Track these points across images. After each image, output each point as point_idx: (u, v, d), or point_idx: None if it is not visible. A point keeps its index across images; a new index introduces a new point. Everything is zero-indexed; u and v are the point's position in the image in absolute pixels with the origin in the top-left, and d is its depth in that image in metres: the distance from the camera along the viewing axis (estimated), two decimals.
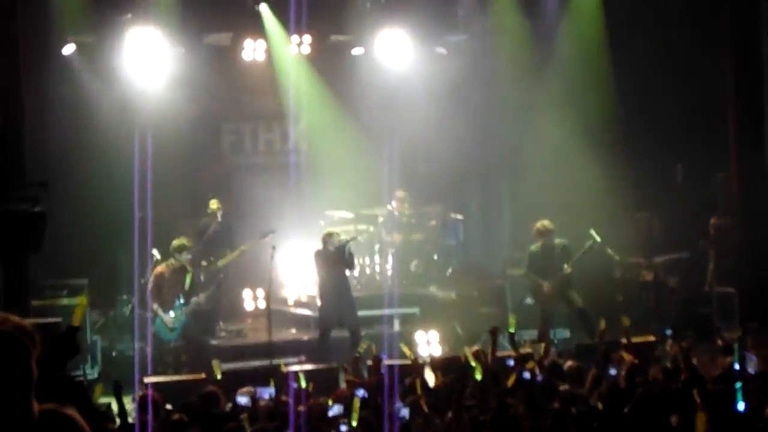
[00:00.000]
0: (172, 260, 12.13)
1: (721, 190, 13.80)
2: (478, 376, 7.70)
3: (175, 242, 12.26)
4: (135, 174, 12.17)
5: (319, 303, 12.62)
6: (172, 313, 11.95)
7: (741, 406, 6.38)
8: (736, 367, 8.04)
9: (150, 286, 12.00)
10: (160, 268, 12.08)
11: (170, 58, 14.40)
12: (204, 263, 13.25)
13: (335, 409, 6.60)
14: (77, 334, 4.37)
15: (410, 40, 15.62)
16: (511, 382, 7.01)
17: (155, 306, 11.91)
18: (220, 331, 13.32)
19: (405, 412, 7.11)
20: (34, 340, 2.97)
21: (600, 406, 7.06)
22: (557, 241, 12.74)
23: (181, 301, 12.00)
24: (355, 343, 11.18)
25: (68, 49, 14.10)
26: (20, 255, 10.73)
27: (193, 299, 12.08)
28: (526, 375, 7.76)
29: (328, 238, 12.38)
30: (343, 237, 12.52)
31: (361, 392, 7.52)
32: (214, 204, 13.62)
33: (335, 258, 12.27)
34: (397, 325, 13.53)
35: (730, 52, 13.45)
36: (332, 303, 12.27)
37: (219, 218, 13.53)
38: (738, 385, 6.44)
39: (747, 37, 13.39)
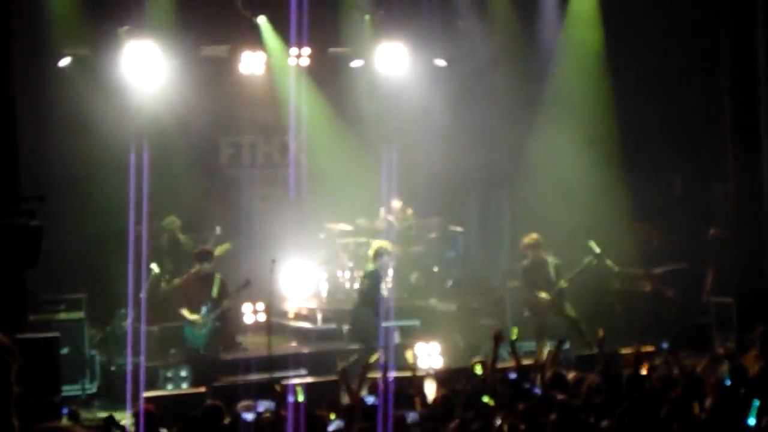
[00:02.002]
0: (197, 267, 12.30)
1: (719, 201, 13.82)
2: (470, 389, 7.73)
3: (201, 248, 12.39)
4: (131, 188, 12.16)
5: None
6: (200, 319, 12.13)
7: (752, 421, 6.37)
8: (727, 382, 8.04)
9: (179, 293, 12.23)
10: (187, 275, 12.35)
11: (167, 71, 14.36)
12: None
13: (336, 424, 6.59)
14: None
15: (409, 52, 15.64)
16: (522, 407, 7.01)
17: (184, 312, 12.12)
18: (240, 344, 13.31)
19: (414, 416, 7.12)
20: (13, 355, 2.95)
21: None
22: (550, 259, 12.81)
23: (207, 308, 12.18)
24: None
25: (64, 62, 14.03)
26: (16, 269, 10.70)
27: (217, 309, 12.22)
28: (526, 385, 7.75)
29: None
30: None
31: (371, 399, 7.52)
32: (170, 223, 13.79)
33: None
34: (397, 337, 13.52)
35: (728, 63, 13.48)
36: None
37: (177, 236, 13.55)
38: (756, 402, 6.43)
39: (744, 49, 13.42)
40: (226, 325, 12.55)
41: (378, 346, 11.83)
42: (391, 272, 14.66)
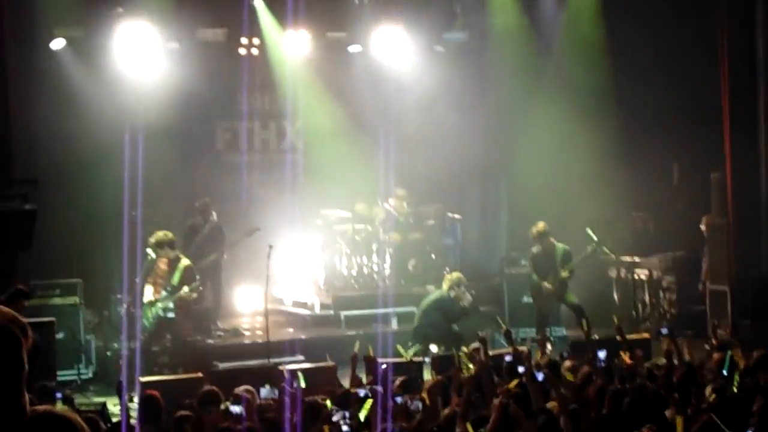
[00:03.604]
0: (166, 251, 11.90)
1: (715, 189, 13.84)
2: (466, 373, 7.73)
3: (168, 235, 12.08)
4: (126, 172, 12.09)
5: None
6: (158, 304, 11.68)
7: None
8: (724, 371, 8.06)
9: (140, 278, 11.83)
10: (159, 258, 11.89)
11: (163, 54, 14.26)
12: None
13: (338, 415, 6.58)
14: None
15: (408, 37, 15.58)
16: (513, 384, 7.01)
17: (145, 292, 11.68)
18: (216, 330, 13.26)
19: (417, 405, 7.12)
20: (25, 331, 2.94)
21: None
22: (559, 245, 12.84)
23: (166, 294, 11.70)
24: None
25: (57, 44, 13.83)
26: (10, 253, 10.67)
27: (174, 295, 11.82)
28: (521, 369, 7.76)
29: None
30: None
31: (362, 392, 7.51)
32: (200, 204, 13.49)
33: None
34: (394, 324, 13.53)
35: (725, 51, 13.47)
36: None
37: (207, 218, 13.42)
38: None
39: (741, 37, 13.41)
40: (181, 318, 11.98)
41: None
42: (389, 259, 14.68)
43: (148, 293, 11.67)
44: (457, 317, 12.13)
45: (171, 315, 11.73)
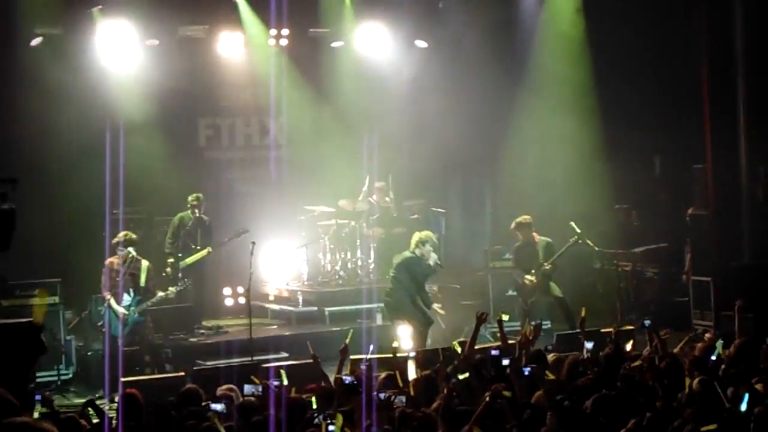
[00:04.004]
0: (125, 253, 11.79)
1: (697, 181, 13.88)
2: (455, 370, 7.70)
3: (129, 235, 12.01)
4: (107, 170, 12.00)
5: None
6: (122, 308, 11.64)
7: (743, 407, 6.38)
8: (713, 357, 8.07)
9: (102, 278, 11.76)
10: (111, 259, 11.82)
11: (143, 52, 14.19)
12: (171, 260, 13.10)
13: (321, 417, 6.52)
14: (41, 332, 4.25)
15: (390, 33, 15.55)
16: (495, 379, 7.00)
17: (107, 297, 11.62)
18: (198, 328, 13.19)
19: (401, 399, 7.08)
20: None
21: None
22: (542, 238, 12.84)
23: (133, 298, 11.69)
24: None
25: (36, 42, 13.68)
26: None
27: (153, 299, 11.84)
28: (506, 362, 7.73)
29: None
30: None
31: (348, 379, 7.47)
32: (194, 198, 13.43)
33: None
34: (379, 319, 13.49)
35: (706, 44, 13.50)
36: None
37: (198, 213, 13.35)
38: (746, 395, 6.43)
39: (721, 30, 13.44)
40: (152, 318, 11.99)
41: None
42: (372, 254, 14.64)
43: (113, 302, 11.63)
44: (425, 276, 11.90)
45: (143, 317, 11.72)
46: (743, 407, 6.30)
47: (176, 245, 13.26)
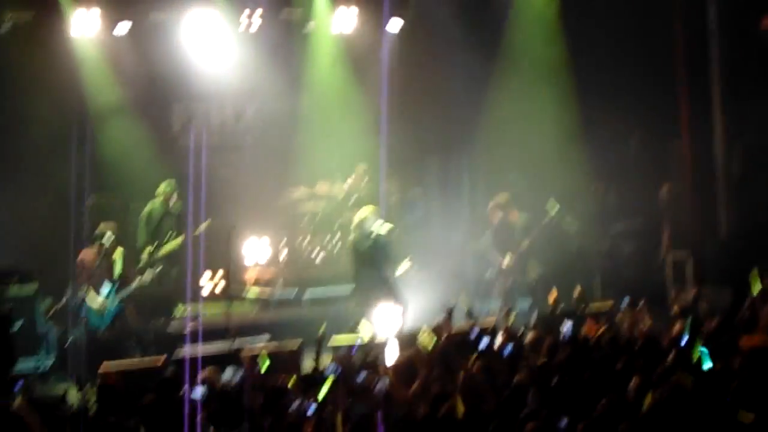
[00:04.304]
0: (98, 244, 11.79)
1: (673, 158, 13.94)
2: (429, 348, 7.72)
3: (102, 226, 11.97)
4: (82, 158, 11.93)
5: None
6: (101, 299, 11.66)
7: (707, 365, 6.43)
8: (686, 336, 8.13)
9: (77, 270, 11.72)
10: (86, 252, 11.77)
11: (114, 37, 14.08)
12: (149, 248, 13.05)
13: (296, 404, 6.53)
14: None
15: (364, 16, 15.48)
16: (474, 359, 7.01)
17: (84, 291, 11.61)
18: (176, 314, 13.14)
19: (383, 383, 7.10)
20: None
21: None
22: (519, 216, 12.85)
23: (110, 287, 11.69)
24: None
25: (4, 28, 13.49)
26: None
27: (130, 286, 11.81)
28: (484, 343, 7.76)
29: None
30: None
31: (331, 368, 7.47)
32: (166, 186, 13.37)
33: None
34: (357, 302, 13.46)
35: (680, 22, 13.54)
36: None
37: (171, 201, 13.28)
38: (704, 349, 6.48)
39: (694, 8, 13.48)
40: (133, 305, 12.02)
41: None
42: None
43: (91, 294, 11.61)
44: (371, 250, 11.96)
45: (122, 305, 11.72)
46: (707, 365, 6.35)
47: (149, 235, 13.18)
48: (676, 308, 9.81)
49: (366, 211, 12.07)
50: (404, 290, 11.94)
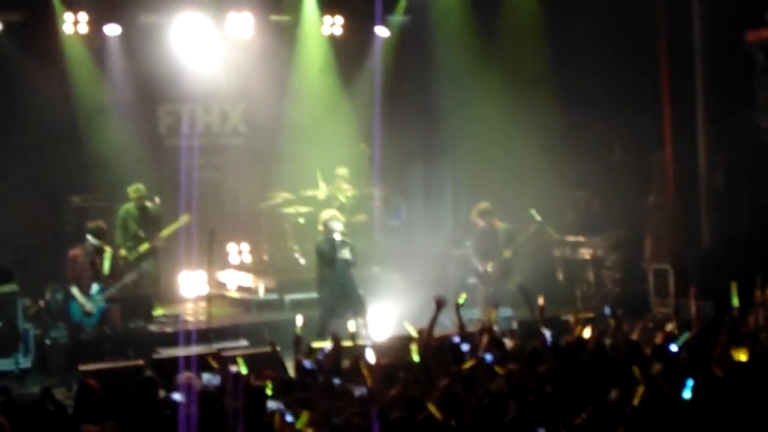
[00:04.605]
0: (87, 243, 11.78)
1: (656, 169, 14.00)
2: (416, 358, 7.69)
3: (91, 224, 11.96)
4: (68, 158, 11.90)
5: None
6: (88, 298, 11.60)
7: (687, 394, 6.43)
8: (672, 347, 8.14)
9: (66, 269, 11.69)
10: (74, 251, 11.76)
11: (105, 37, 14.05)
12: (124, 250, 12.99)
13: (273, 404, 6.50)
14: None
15: (352, 21, 15.51)
16: (468, 365, 6.99)
17: (72, 290, 11.59)
18: (157, 316, 13.08)
19: (361, 389, 7.09)
20: None
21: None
22: (502, 225, 12.87)
23: (98, 286, 11.66)
24: None
25: None
26: None
27: (116, 285, 11.78)
28: (465, 348, 7.75)
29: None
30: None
31: (309, 365, 7.44)
32: (135, 191, 13.31)
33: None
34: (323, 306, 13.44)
35: (664, 32, 13.60)
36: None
37: (143, 204, 13.26)
38: (690, 382, 6.48)
39: (680, 18, 13.55)
40: (127, 307, 12.03)
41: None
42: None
43: (77, 292, 11.58)
44: (334, 252, 11.99)
45: (108, 304, 11.69)
46: (687, 395, 6.36)
47: (127, 237, 13.14)
48: (656, 318, 9.83)
49: (329, 213, 12.16)
50: (374, 292, 12.01)
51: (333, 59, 15.73)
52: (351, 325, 10.70)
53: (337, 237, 11.90)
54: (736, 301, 9.08)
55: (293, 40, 15.66)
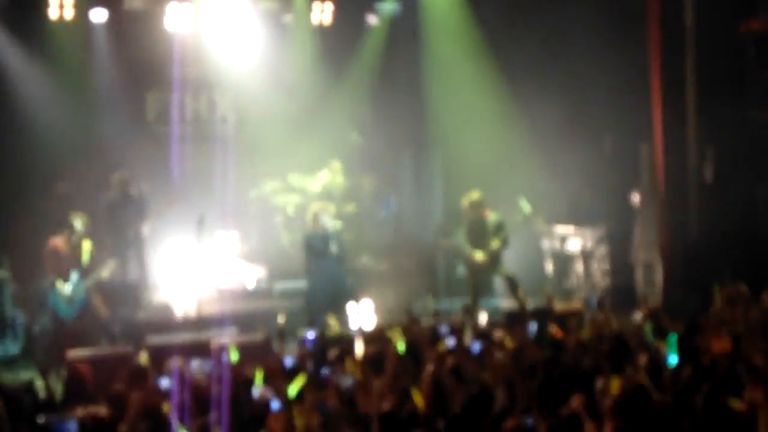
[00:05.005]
0: (68, 232, 11.76)
1: (646, 161, 14.01)
2: (401, 348, 7.72)
3: (74, 213, 11.94)
4: (53, 145, 11.86)
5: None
6: (69, 287, 11.63)
7: (673, 359, 6.46)
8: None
9: (46, 258, 11.67)
10: (55, 241, 11.74)
11: (89, 25, 13.99)
12: (109, 239, 12.98)
13: (257, 391, 6.51)
14: None
15: (340, 8, 15.46)
16: (441, 348, 7.02)
17: (53, 279, 11.58)
18: (145, 304, 13.08)
19: (348, 379, 7.11)
20: None
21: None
22: (492, 215, 12.88)
23: (78, 275, 11.66)
24: None
25: None
26: None
27: (93, 276, 11.77)
28: (452, 342, 7.78)
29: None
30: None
31: (289, 361, 7.46)
32: (118, 178, 13.28)
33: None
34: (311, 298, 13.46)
35: (656, 24, 13.59)
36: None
37: (127, 192, 13.24)
38: (673, 338, 6.51)
39: (671, 9, 13.54)
40: (101, 294, 11.98)
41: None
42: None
43: (59, 283, 11.56)
44: (323, 245, 12.04)
45: (88, 295, 11.69)
46: (673, 360, 6.38)
47: (111, 226, 13.11)
48: (645, 311, 9.87)
49: (319, 206, 12.19)
50: (363, 282, 12.05)
51: (322, 47, 15.68)
52: (338, 316, 10.76)
53: (327, 230, 11.94)
54: (719, 300, 9.14)
55: (283, 27, 15.61)
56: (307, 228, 12.28)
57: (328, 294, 11.99)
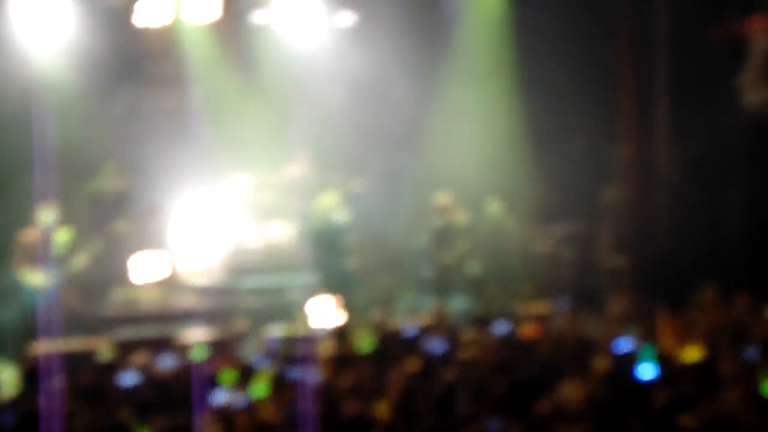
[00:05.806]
0: (41, 224, 11.72)
1: (616, 162, 14.09)
2: (369, 348, 7.74)
3: (46, 206, 11.89)
4: (25, 137, 11.76)
5: None
6: (41, 278, 11.57)
7: (647, 372, 6.50)
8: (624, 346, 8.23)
9: (19, 249, 11.62)
10: (27, 232, 11.69)
11: (62, 19, 13.92)
12: (83, 232, 12.92)
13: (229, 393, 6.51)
14: None
15: (315, 9, 15.48)
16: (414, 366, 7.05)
17: (24, 270, 11.53)
18: (111, 298, 13.02)
19: (314, 378, 7.11)
20: None
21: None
22: (460, 215, 12.92)
23: (50, 267, 11.60)
24: None
25: None
26: None
27: (65, 268, 11.71)
28: (419, 341, 7.81)
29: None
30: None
31: (257, 362, 7.46)
32: (96, 175, 13.25)
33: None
34: (296, 294, 13.45)
35: (626, 26, 13.68)
36: None
37: (116, 185, 13.20)
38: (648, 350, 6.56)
39: (641, 12, 13.62)
40: (81, 288, 12.03)
41: None
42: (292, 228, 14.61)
43: (30, 274, 11.47)
44: (338, 238, 11.97)
45: (60, 287, 11.63)
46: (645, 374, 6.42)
47: (92, 218, 13.07)
48: (612, 314, 9.93)
49: (330, 198, 12.16)
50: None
51: (294, 44, 15.65)
52: (308, 314, 10.76)
53: (339, 223, 11.92)
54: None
55: (255, 24, 15.57)
56: (318, 220, 12.17)
57: (338, 287, 11.94)
